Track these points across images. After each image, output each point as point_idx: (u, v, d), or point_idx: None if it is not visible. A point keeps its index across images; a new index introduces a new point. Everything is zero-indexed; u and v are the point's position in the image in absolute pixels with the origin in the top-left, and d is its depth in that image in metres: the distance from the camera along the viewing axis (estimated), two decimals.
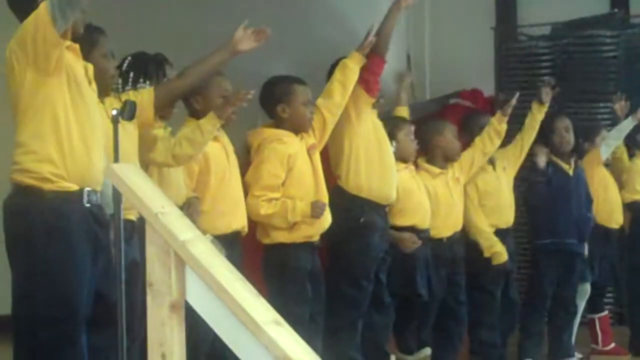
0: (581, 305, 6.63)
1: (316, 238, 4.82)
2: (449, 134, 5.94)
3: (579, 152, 6.52)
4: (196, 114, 4.47)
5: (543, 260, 6.34)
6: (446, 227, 5.79)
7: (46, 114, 3.47)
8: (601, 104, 7.97)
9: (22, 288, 3.50)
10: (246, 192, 4.64)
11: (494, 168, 6.16)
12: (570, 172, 6.35)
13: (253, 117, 4.98)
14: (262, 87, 4.90)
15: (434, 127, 5.94)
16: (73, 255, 3.47)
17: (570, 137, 6.36)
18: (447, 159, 5.93)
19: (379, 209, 5.18)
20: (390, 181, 5.22)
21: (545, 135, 6.31)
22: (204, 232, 3.89)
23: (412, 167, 5.73)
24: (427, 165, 5.85)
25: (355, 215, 5.08)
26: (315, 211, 4.68)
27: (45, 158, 3.46)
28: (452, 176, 5.91)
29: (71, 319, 3.46)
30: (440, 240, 5.75)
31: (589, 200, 6.49)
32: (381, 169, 5.17)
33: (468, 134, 6.11)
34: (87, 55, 3.73)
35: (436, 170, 5.85)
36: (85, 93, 3.58)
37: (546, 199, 6.27)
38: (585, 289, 6.63)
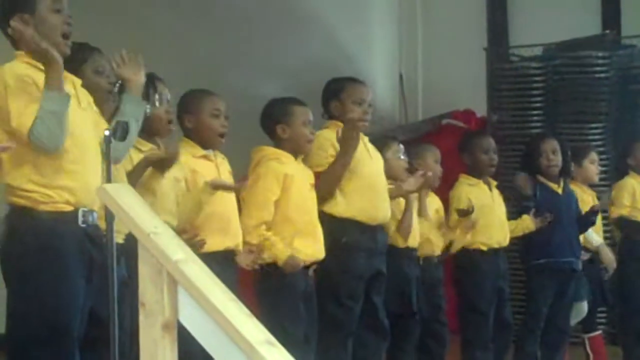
0: (572, 324, 6.61)
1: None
2: (429, 159, 5.84)
3: (568, 172, 6.48)
4: (189, 133, 4.49)
5: (537, 280, 6.27)
6: (420, 250, 5.72)
7: (26, 157, 3.45)
8: (593, 125, 8.02)
9: (15, 307, 3.49)
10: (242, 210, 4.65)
11: (490, 188, 6.11)
12: (560, 191, 6.32)
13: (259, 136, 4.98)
14: (262, 110, 4.93)
15: (414, 150, 5.83)
16: (66, 275, 3.46)
17: (558, 159, 6.24)
18: (427, 184, 5.80)
19: (367, 229, 5.11)
20: (377, 201, 5.15)
21: (532, 158, 6.27)
22: None
23: None
24: None
25: (337, 237, 5.04)
26: (287, 267, 4.67)
27: (35, 190, 3.45)
28: (430, 202, 5.84)
29: (64, 339, 3.45)
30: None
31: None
32: (365, 191, 5.09)
33: (468, 155, 6.04)
34: (77, 72, 3.70)
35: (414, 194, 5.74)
36: (73, 113, 3.51)
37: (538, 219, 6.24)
38: (582, 309, 6.58)
